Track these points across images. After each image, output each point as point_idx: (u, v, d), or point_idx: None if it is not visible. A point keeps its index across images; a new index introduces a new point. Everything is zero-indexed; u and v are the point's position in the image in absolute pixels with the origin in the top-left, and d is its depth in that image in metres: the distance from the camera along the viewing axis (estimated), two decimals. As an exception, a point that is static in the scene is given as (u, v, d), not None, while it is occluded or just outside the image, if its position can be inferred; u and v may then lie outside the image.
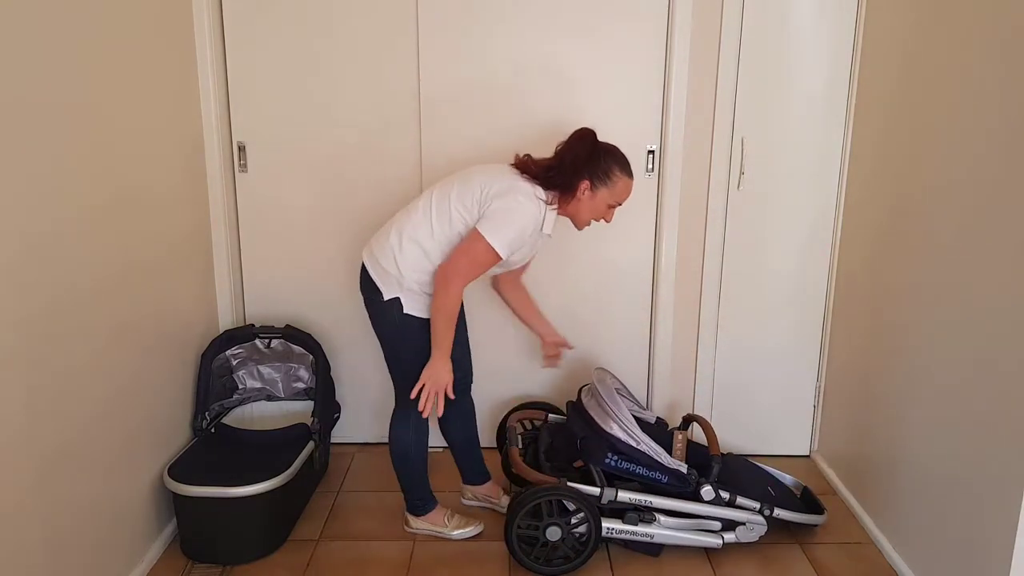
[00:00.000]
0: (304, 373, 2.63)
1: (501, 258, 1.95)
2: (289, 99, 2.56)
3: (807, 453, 2.87)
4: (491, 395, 2.77)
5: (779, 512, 2.24)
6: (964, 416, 1.86)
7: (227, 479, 2.12)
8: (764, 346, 2.76)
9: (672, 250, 2.67)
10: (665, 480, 2.16)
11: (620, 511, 2.16)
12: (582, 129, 2.07)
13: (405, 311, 2.04)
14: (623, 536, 2.17)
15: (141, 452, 2.11)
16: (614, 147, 2.05)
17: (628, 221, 2.58)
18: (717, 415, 2.82)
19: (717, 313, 2.73)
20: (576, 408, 2.31)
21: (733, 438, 2.82)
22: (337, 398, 2.72)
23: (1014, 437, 1.66)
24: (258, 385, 2.63)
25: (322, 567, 2.18)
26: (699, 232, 2.65)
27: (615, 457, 2.14)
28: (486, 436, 2.50)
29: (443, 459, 2.64)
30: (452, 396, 2.04)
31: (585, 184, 2.01)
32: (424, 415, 2.03)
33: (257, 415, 2.64)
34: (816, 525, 2.36)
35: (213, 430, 2.43)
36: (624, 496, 2.13)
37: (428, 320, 2.03)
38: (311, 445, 2.38)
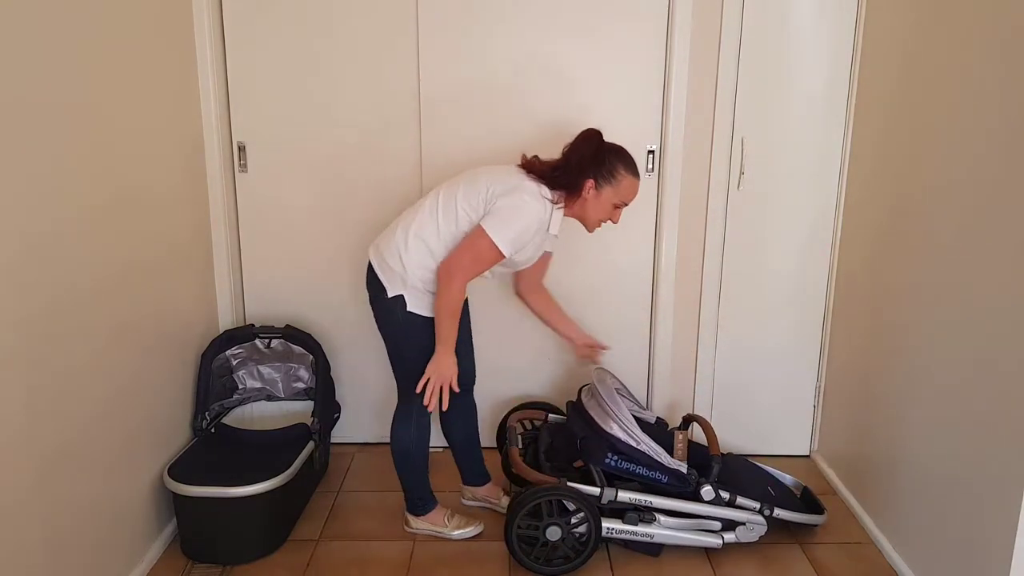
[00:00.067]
0: (304, 373, 2.63)
1: (504, 256, 1.96)
2: (289, 99, 2.56)
3: (807, 453, 2.87)
4: (491, 395, 2.77)
5: (779, 512, 2.24)
6: (964, 416, 1.86)
7: (227, 479, 2.12)
8: (764, 346, 2.76)
9: (672, 250, 2.67)
10: (665, 480, 2.16)
11: (620, 511, 2.16)
12: (588, 130, 2.07)
13: (408, 309, 2.05)
14: (623, 536, 2.17)
15: (141, 452, 2.11)
16: (620, 147, 2.06)
17: (628, 221, 2.57)
18: (717, 415, 2.82)
19: (717, 313, 2.73)
20: (576, 408, 2.31)
21: (733, 438, 2.82)
22: (337, 398, 2.72)
23: (1014, 437, 1.66)
24: (258, 385, 2.63)
25: (322, 567, 2.18)
26: (699, 232, 2.65)
27: (615, 457, 2.14)
28: (486, 436, 2.50)
29: (443, 459, 2.64)
30: (457, 390, 2.05)
31: (590, 183, 2.01)
32: (429, 409, 2.04)
33: (257, 415, 2.64)
34: (816, 525, 2.36)
35: (213, 430, 2.43)
36: (624, 496, 2.13)
37: (431, 319, 2.04)
38: (311, 445, 2.38)
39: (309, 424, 2.41)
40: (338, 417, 2.70)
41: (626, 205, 2.08)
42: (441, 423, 2.40)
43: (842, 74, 2.52)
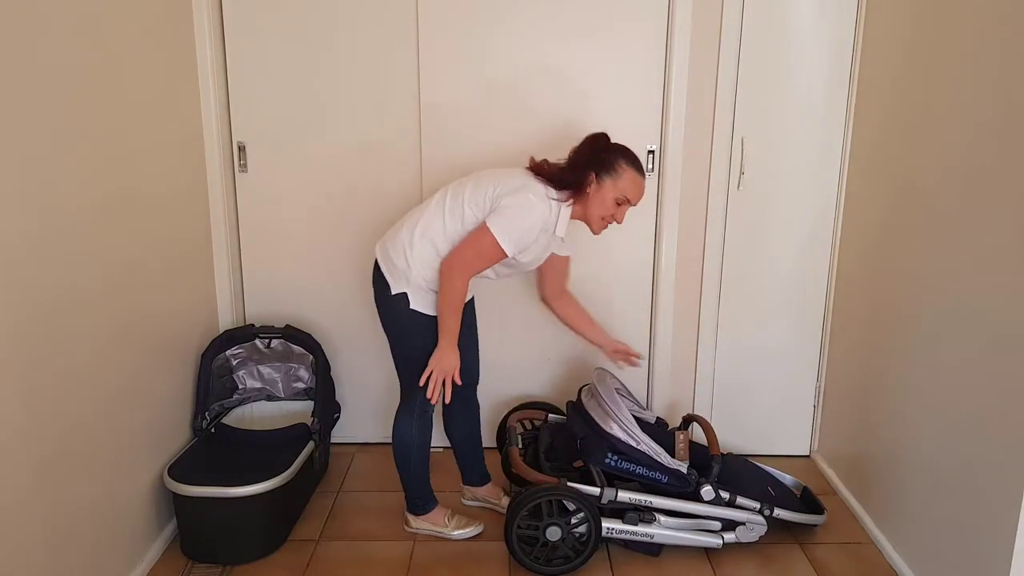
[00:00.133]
0: (304, 373, 2.63)
1: (507, 254, 1.97)
2: (289, 99, 2.56)
3: (807, 453, 2.87)
4: (491, 395, 2.77)
5: (779, 512, 2.24)
6: (964, 416, 1.86)
7: (227, 479, 2.12)
8: (764, 346, 2.76)
9: (672, 250, 2.67)
10: (665, 480, 2.16)
11: (620, 511, 2.16)
12: (595, 132, 2.09)
13: (412, 307, 2.06)
14: (623, 536, 2.17)
15: (141, 452, 2.11)
16: (624, 146, 2.08)
17: (628, 221, 2.55)
18: (717, 415, 2.81)
19: (717, 313, 2.73)
20: (576, 408, 2.31)
21: (733, 438, 2.82)
22: (337, 398, 2.72)
23: (1013, 437, 1.66)
24: (258, 385, 2.63)
25: (322, 567, 2.18)
26: (699, 232, 2.65)
27: (615, 457, 2.14)
28: (486, 436, 2.50)
29: (443, 459, 2.64)
30: (459, 383, 2.06)
31: (592, 177, 2.02)
32: (432, 401, 2.05)
33: (257, 415, 2.64)
34: (816, 525, 2.36)
35: (213, 430, 2.43)
36: (624, 496, 2.13)
37: (435, 318, 2.05)
38: (311, 445, 2.38)
39: (309, 424, 2.41)
40: (338, 417, 2.70)
41: (630, 204, 2.06)
42: (444, 421, 2.40)
43: (842, 74, 2.52)
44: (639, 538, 2.17)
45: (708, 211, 2.63)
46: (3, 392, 1.53)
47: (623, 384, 2.49)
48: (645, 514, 2.16)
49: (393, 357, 2.19)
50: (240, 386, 2.60)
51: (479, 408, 2.43)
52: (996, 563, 1.71)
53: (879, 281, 2.33)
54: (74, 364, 1.77)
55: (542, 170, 2.05)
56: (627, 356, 2.44)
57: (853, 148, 2.53)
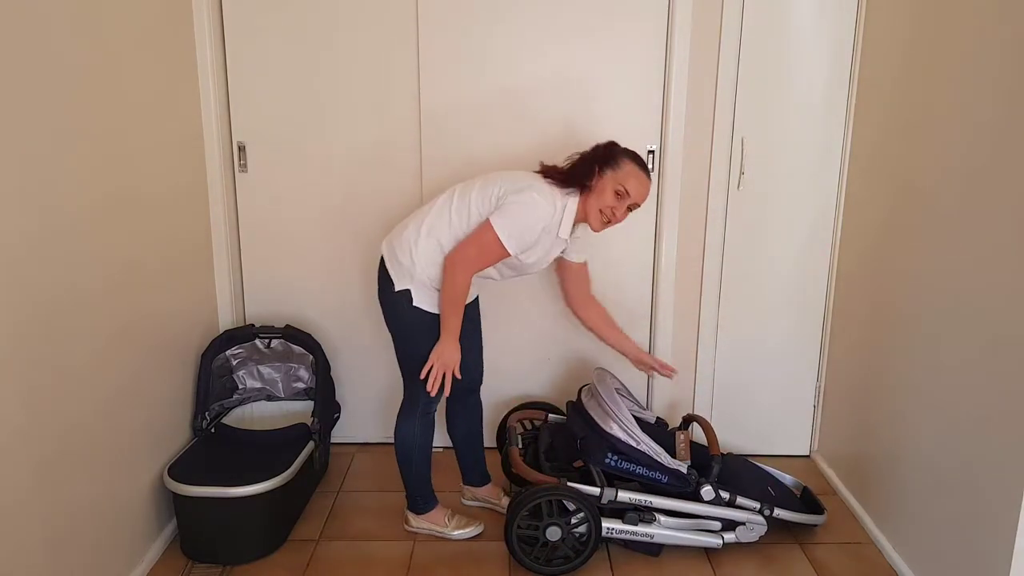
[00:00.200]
0: (304, 373, 2.63)
1: (509, 253, 1.97)
2: (289, 99, 2.56)
3: (807, 453, 2.87)
4: (491, 395, 2.76)
5: (779, 512, 2.24)
6: (964, 415, 1.86)
7: (227, 479, 2.12)
8: (764, 346, 2.76)
9: (672, 250, 2.67)
10: (665, 480, 2.16)
11: (620, 511, 2.16)
12: (606, 141, 2.13)
13: (415, 304, 2.06)
14: (623, 536, 2.17)
15: (141, 452, 2.11)
16: (631, 150, 2.10)
17: (628, 220, 2.57)
18: (717, 415, 2.81)
19: (717, 313, 2.73)
20: (576, 408, 2.31)
21: (733, 438, 2.82)
22: (337, 398, 2.72)
23: (1013, 437, 1.66)
24: (258, 385, 2.63)
25: (322, 567, 2.18)
26: (699, 232, 2.65)
27: (615, 457, 2.14)
28: (486, 436, 2.50)
29: (444, 459, 2.64)
30: (459, 376, 2.07)
31: (596, 170, 2.05)
32: (432, 394, 2.06)
33: (257, 415, 2.64)
34: (816, 525, 2.36)
35: (213, 430, 2.43)
36: (624, 496, 2.13)
37: (437, 315, 2.07)
38: (311, 445, 2.38)
39: (309, 424, 2.41)
40: (338, 417, 2.70)
41: (630, 197, 2.04)
42: (446, 420, 2.41)
43: (842, 74, 2.52)
44: (639, 538, 2.17)
45: (708, 211, 2.63)
46: (3, 392, 1.53)
47: (623, 384, 2.49)
48: (645, 514, 2.16)
49: (396, 355, 2.19)
50: (240, 386, 2.60)
51: (482, 409, 2.43)
52: (996, 563, 1.71)
53: (879, 281, 2.33)
54: (74, 364, 1.77)
55: (550, 171, 2.07)
56: (654, 370, 2.43)
57: (853, 148, 2.53)
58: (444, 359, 2.04)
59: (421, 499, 2.31)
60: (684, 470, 2.15)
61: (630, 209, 2.07)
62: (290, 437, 2.38)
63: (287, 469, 2.20)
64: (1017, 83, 1.67)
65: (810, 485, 2.48)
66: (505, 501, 2.42)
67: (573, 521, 2.11)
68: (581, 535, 2.13)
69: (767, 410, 2.82)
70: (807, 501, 2.42)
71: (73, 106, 1.76)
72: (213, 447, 2.35)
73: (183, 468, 2.18)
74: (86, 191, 1.81)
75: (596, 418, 2.18)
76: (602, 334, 2.41)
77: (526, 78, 2.53)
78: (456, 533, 2.31)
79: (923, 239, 2.06)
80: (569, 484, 2.11)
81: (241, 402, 2.60)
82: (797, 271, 2.69)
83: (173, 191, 2.28)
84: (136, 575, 2.07)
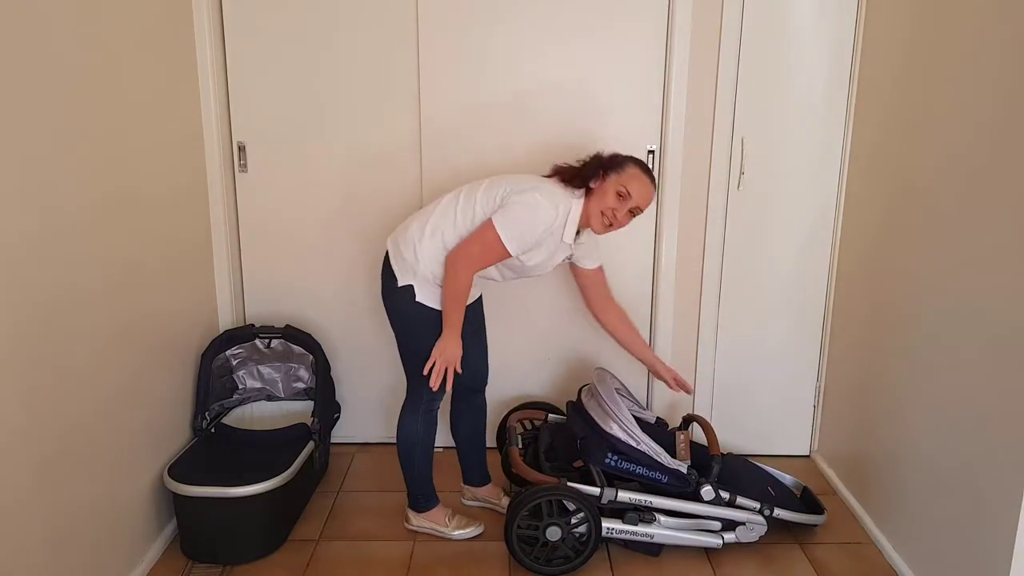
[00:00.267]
0: (304, 373, 2.63)
1: (510, 253, 1.98)
2: (289, 99, 2.56)
3: (807, 453, 2.87)
4: (491, 395, 2.75)
5: (779, 512, 2.24)
6: (964, 416, 1.86)
7: (227, 479, 2.12)
8: (764, 346, 2.76)
9: (672, 250, 2.67)
10: (665, 480, 2.16)
11: (620, 511, 2.16)
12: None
13: (417, 299, 2.07)
14: (623, 536, 2.17)
15: (141, 452, 2.11)
16: (637, 157, 2.11)
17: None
18: (717, 415, 2.81)
19: (717, 313, 2.73)
20: (576, 408, 2.31)
21: (733, 438, 2.82)
22: (337, 398, 2.72)
23: (1013, 437, 1.66)
24: (258, 385, 2.63)
25: (322, 567, 2.18)
26: (699, 232, 2.65)
27: (615, 457, 2.14)
28: (487, 436, 2.50)
29: (445, 459, 2.64)
30: (460, 372, 2.08)
31: (600, 173, 2.06)
32: (434, 389, 2.07)
33: (257, 415, 2.64)
34: (816, 525, 2.36)
35: (213, 430, 2.43)
36: (624, 496, 2.13)
37: (440, 312, 2.07)
38: (311, 445, 2.38)
39: (309, 424, 2.41)
40: (338, 417, 2.70)
41: (632, 200, 2.03)
42: (450, 419, 2.41)
43: (842, 74, 2.52)
44: (639, 538, 2.17)
45: (708, 211, 2.63)
46: (3, 392, 1.53)
47: (623, 384, 2.49)
48: (645, 514, 2.16)
49: (399, 352, 2.19)
50: (240, 386, 2.60)
51: (486, 409, 2.43)
52: (996, 563, 1.71)
53: (879, 281, 2.33)
54: (74, 364, 1.77)
55: (561, 168, 2.09)
56: (668, 384, 2.43)
57: (853, 148, 2.53)
58: (446, 355, 2.05)
59: (422, 497, 2.31)
60: (684, 470, 2.15)
61: (633, 214, 2.07)
62: (290, 437, 2.38)
63: (287, 469, 2.20)
64: (1017, 83, 1.67)
65: (810, 485, 2.48)
66: (505, 501, 2.42)
67: (573, 521, 2.11)
68: (581, 535, 2.13)
69: (767, 410, 2.82)
70: (807, 501, 2.42)
71: (73, 106, 1.76)
72: (213, 447, 2.35)
73: (183, 468, 2.18)
74: (86, 191, 1.81)
75: (596, 418, 2.18)
76: (621, 339, 2.41)
77: (526, 78, 2.53)
78: (456, 533, 2.31)
79: (923, 239, 2.06)
80: (569, 484, 2.11)
81: (241, 402, 2.60)
82: (797, 271, 2.69)
83: (173, 191, 2.28)
84: (136, 575, 2.07)
